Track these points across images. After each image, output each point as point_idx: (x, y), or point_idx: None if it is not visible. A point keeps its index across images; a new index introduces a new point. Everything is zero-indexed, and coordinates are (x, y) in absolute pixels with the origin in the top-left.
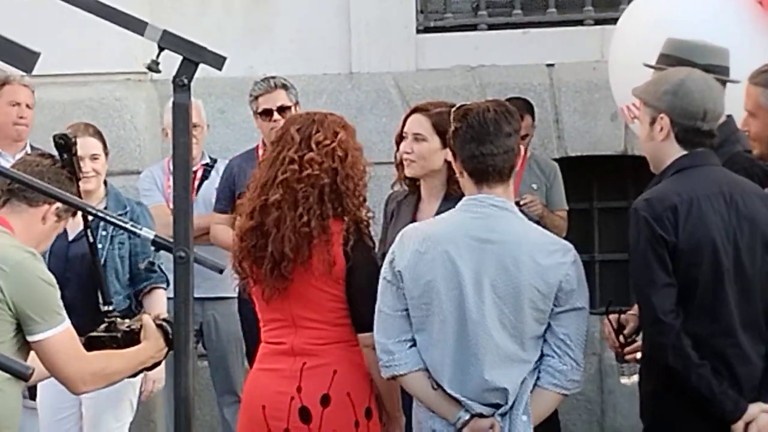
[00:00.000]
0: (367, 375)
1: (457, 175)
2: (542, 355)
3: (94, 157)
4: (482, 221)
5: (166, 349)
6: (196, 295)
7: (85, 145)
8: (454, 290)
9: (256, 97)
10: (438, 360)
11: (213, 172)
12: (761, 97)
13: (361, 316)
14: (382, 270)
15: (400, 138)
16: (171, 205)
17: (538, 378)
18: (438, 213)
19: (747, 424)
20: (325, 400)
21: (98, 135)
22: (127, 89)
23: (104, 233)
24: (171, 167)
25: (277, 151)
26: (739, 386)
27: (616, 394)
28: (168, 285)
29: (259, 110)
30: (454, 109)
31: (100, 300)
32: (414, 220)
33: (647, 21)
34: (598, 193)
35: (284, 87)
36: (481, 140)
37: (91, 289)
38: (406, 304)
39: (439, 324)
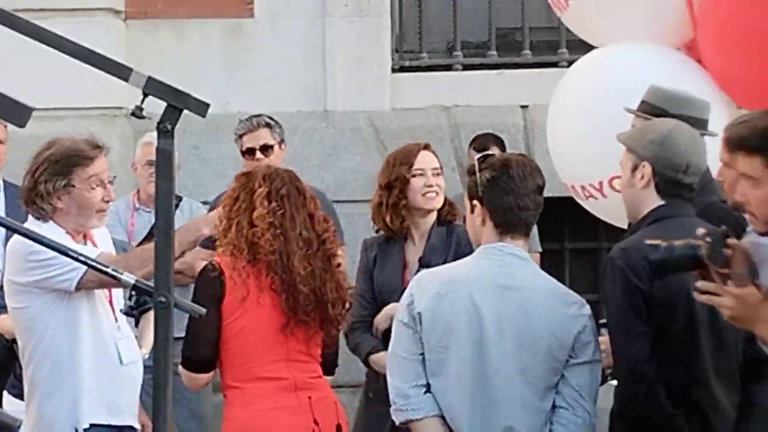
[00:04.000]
0: None
1: (476, 222)
2: (554, 407)
3: None
4: (503, 269)
5: None
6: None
7: None
8: (475, 333)
9: (240, 136)
10: (456, 405)
11: (177, 212)
12: None
13: (334, 360)
14: (398, 313)
15: (387, 184)
16: (133, 243)
17: (550, 430)
18: (428, 240)
19: None
20: (339, 430)
21: None
22: (102, 124)
23: None
24: (136, 203)
25: (297, 205)
26: None
27: None
28: None
29: (243, 149)
30: (481, 158)
31: None
32: (404, 260)
33: (581, 98)
34: (570, 235)
35: (268, 126)
36: (519, 194)
37: None
38: (422, 348)
39: (456, 368)
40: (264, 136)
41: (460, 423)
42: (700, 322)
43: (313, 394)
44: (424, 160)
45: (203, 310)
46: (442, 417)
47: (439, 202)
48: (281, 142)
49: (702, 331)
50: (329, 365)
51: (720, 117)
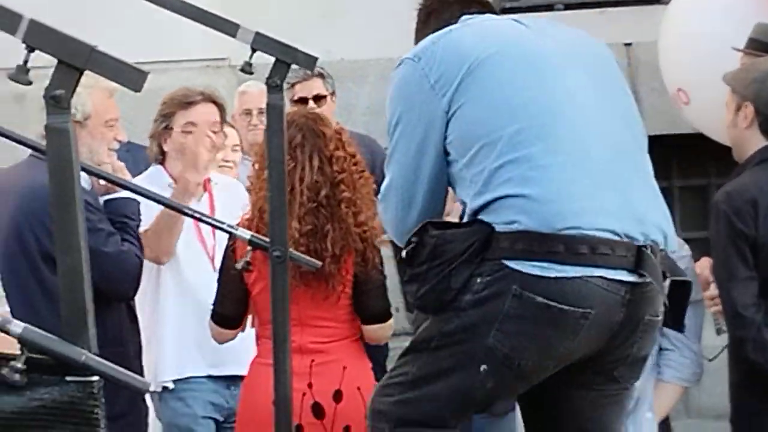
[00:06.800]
0: (371, 369)
1: None
2: (660, 349)
3: None
4: None
5: None
6: None
7: None
8: None
9: (293, 85)
10: None
11: None
12: None
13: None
14: None
15: None
16: None
17: (658, 372)
18: None
19: None
20: (338, 396)
21: None
22: (206, 76)
23: None
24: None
25: (312, 152)
26: None
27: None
28: None
29: (295, 98)
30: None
31: None
32: None
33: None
34: (678, 172)
35: (321, 76)
36: None
37: None
38: None
39: None
40: (317, 86)
41: None
42: None
43: (318, 357)
44: None
45: (318, 263)
46: None
47: None
48: (333, 93)
49: None
50: (371, 312)
51: None
